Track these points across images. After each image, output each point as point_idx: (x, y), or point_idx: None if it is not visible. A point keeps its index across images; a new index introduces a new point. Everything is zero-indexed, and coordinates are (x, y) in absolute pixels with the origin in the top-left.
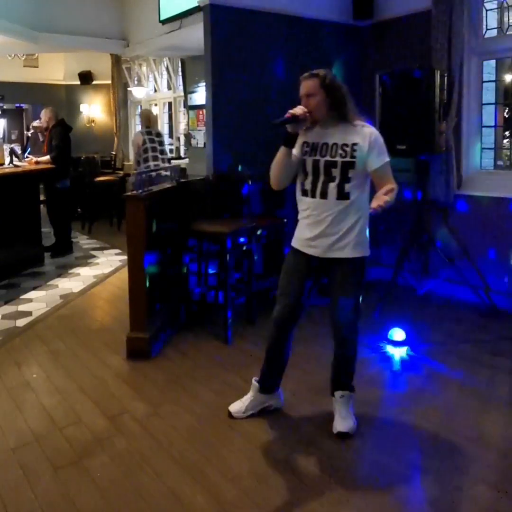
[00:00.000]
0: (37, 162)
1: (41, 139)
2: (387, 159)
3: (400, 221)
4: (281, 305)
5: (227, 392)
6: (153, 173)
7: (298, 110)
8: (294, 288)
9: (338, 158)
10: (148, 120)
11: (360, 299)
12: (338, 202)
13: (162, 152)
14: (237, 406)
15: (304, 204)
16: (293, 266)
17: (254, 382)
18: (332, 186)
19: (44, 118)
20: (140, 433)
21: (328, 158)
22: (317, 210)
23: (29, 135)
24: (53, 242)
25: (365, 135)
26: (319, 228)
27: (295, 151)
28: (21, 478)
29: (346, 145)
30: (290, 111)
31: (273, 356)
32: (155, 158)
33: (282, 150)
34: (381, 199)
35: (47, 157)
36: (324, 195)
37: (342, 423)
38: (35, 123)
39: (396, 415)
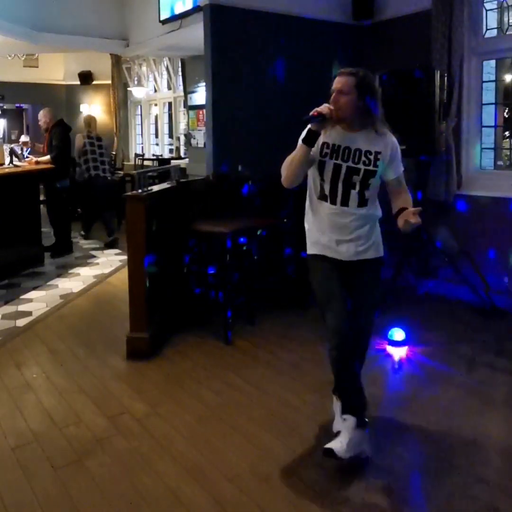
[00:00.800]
0: (37, 162)
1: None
2: (402, 169)
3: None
4: (336, 311)
5: (227, 392)
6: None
7: (325, 108)
8: (341, 299)
9: (361, 166)
10: (89, 125)
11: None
12: (358, 209)
13: (102, 155)
14: (337, 446)
15: (323, 209)
16: (329, 271)
17: (340, 418)
18: (354, 194)
19: (43, 120)
20: (140, 433)
21: (350, 164)
22: (337, 216)
23: (11, 147)
24: (53, 242)
25: (387, 145)
26: (342, 234)
27: (313, 150)
28: (21, 478)
29: (370, 152)
30: (317, 109)
31: (351, 380)
32: (94, 160)
33: (302, 148)
34: (413, 218)
35: (47, 157)
36: (345, 202)
37: (337, 445)
38: (23, 139)
39: (396, 415)
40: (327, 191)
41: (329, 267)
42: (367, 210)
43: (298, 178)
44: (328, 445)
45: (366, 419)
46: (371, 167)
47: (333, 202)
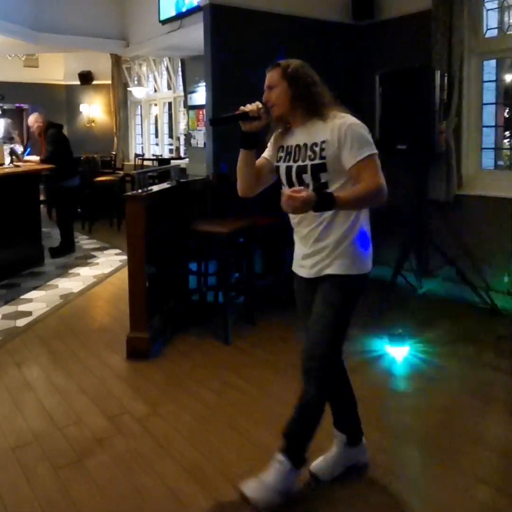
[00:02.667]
0: (25, 161)
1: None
2: (366, 153)
3: (400, 221)
4: (304, 345)
5: (227, 392)
6: None
7: (251, 105)
8: (305, 322)
9: (307, 162)
10: None
11: (343, 327)
12: (319, 215)
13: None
14: (322, 467)
15: (290, 219)
16: (298, 295)
17: (338, 434)
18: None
19: (36, 125)
20: (140, 433)
21: (299, 163)
22: (300, 225)
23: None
24: (59, 242)
25: (333, 129)
26: (304, 246)
27: (268, 154)
28: (21, 478)
29: (315, 144)
30: (242, 107)
31: (337, 405)
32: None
33: (241, 152)
34: (284, 200)
35: (37, 159)
36: None
37: (253, 484)
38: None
39: (396, 415)
40: None
41: (298, 289)
42: (333, 216)
43: (251, 187)
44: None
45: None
46: (317, 161)
47: None
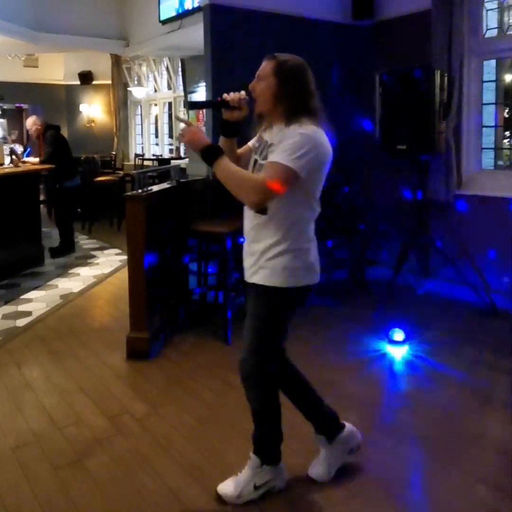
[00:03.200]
0: (23, 162)
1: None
2: (283, 160)
3: (400, 221)
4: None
5: (227, 392)
6: None
7: (233, 94)
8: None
9: (259, 159)
10: None
11: (268, 339)
12: (256, 216)
13: None
14: (319, 471)
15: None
16: (247, 306)
17: (318, 438)
18: None
19: (34, 127)
20: (140, 433)
21: (257, 156)
22: (245, 220)
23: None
24: (59, 243)
25: (283, 136)
26: (246, 244)
27: (252, 143)
28: (21, 478)
29: (272, 145)
30: (225, 94)
31: (297, 403)
32: None
33: (220, 140)
34: (187, 131)
35: (36, 160)
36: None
37: (227, 481)
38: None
39: (396, 415)
40: None
41: (246, 296)
42: (268, 221)
43: None
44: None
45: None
46: (263, 161)
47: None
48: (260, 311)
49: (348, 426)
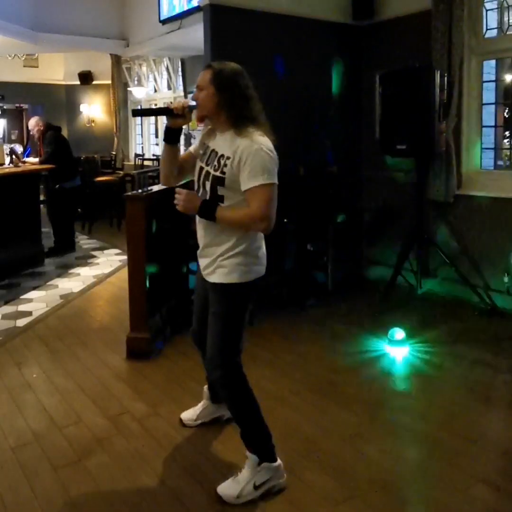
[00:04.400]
0: (23, 162)
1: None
2: (260, 181)
3: (400, 221)
4: (193, 321)
5: None
6: None
7: (177, 102)
8: (196, 305)
9: (211, 170)
10: None
11: (232, 335)
12: (210, 222)
13: None
14: (189, 414)
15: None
16: (195, 286)
17: (205, 390)
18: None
19: (36, 128)
20: (140, 433)
21: (208, 168)
22: (198, 224)
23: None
24: (54, 242)
25: (237, 148)
26: (201, 245)
27: (194, 148)
28: (21, 478)
29: (222, 157)
30: (170, 102)
31: (205, 364)
32: None
33: (163, 146)
34: (183, 195)
35: (36, 160)
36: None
37: (226, 482)
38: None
39: (396, 415)
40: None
41: (196, 281)
42: (223, 229)
43: (171, 177)
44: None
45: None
46: (218, 173)
47: None
48: (221, 309)
49: (280, 462)
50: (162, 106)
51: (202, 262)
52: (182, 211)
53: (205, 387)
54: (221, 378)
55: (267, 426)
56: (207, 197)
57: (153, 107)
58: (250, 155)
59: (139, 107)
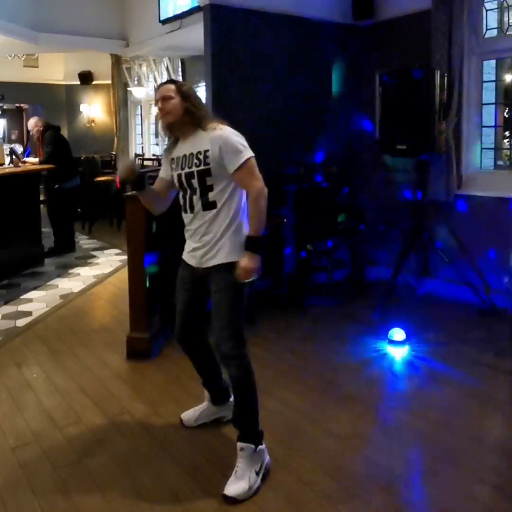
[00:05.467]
0: (23, 162)
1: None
2: (243, 159)
3: (400, 221)
4: (177, 323)
5: None
6: None
7: (120, 173)
8: (181, 304)
9: (194, 168)
10: None
11: (241, 315)
12: (205, 213)
13: None
14: (189, 414)
15: (184, 219)
16: (179, 282)
17: (206, 392)
18: (196, 198)
19: (36, 128)
20: (140, 433)
21: (186, 170)
22: (191, 224)
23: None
24: (54, 242)
25: (213, 139)
26: (193, 240)
27: (164, 173)
28: (21, 478)
29: (200, 152)
30: (117, 178)
31: (198, 370)
32: None
33: (139, 194)
34: (241, 270)
35: (36, 160)
36: (192, 209)
37: (230, 483)
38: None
39: (396, 415)
40: (181, 202)
41: (181, 276)
42: (219, 212)
43: (158, 208)
44: None
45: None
46: (202, 167)
47: (185, 210)
48: (227, 285)
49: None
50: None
51: (199, 253)
52: (253, 275)
53: (206, 389)
54: (232, 349)
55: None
56: (197, 193)
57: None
58: (226, 141)
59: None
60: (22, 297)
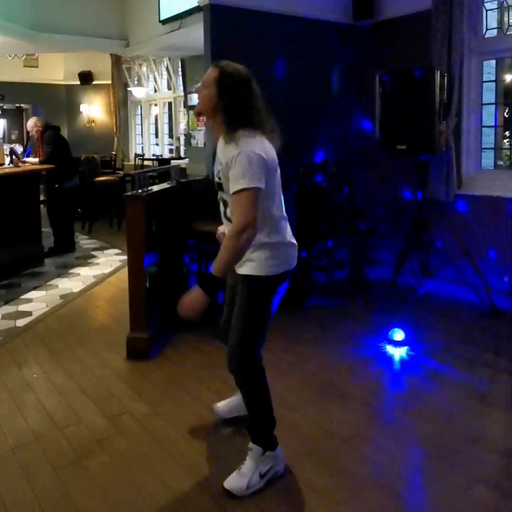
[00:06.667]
0: (23, 162)
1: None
2: (239, 186)
3: (400, 221)
4: (222, 319)
5: (227, 392)
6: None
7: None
8: (226, 303)
9: (216, 178)
10: None
11: (254, 328)
12: (229, 223)
13: None
14: (223, 406)
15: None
16: (228, 282)
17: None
18: (222, 209)
19: (35, 128)
20: (140, 433)
21: (215, 178)
22: (225, 223)
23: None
24: (54, 242)
25: (229, 154)
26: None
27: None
28: (21, 478)
29: (220, 163)
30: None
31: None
32: None
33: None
34: (180, 302)
35: (36, 160)
36: (222, 217)
37: (231, 477)
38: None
39: (396, 415)
40: None
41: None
42: None
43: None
44: None
45: None
46: (217, 179)
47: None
48: (247, 301)
49: (279, 449)
50: None
51: None
52: (192, 313)
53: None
54: (238, 368)
55: (273, 416)
56: (221, 203)
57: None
58: (235, 162)
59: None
60: (22, 297)
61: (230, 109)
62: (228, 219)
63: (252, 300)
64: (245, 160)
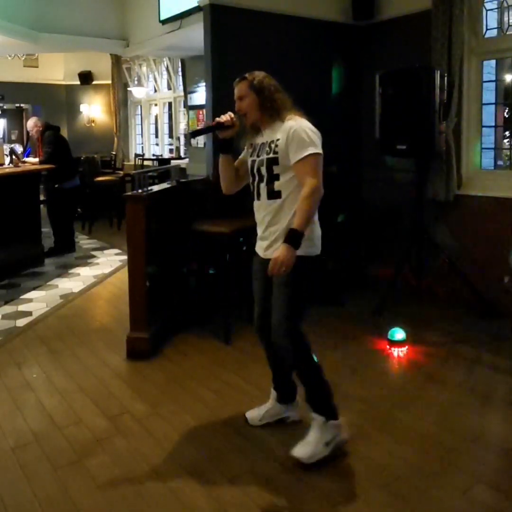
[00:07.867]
0: (23, 162)
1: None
2: (306, 153)
3: (400, 221)
4: (255, 314)
5: (227, 392)
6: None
7: (224, 116)
8: (257, 295)
9: (264, 156)
10: None
11: (298, 303)
12: (270, 201)
13: None
14: (254, 413)
15: (254, 206)
16: (253, 273)
17: (273, 390)
18: (262, 186)
19: (35, 129)
20: (140, 433)
21: (259, 157)
22: (258, 212)
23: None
24: (54, 242)
25: (285, 129)
26: (260, 229)
27: (243, 155)
28: (21, 478)
29: (272, 142)
30: (217, 118)
31: (270, 362)
32: None
33: (220, 157)
34: (273, 262)
35: (36, 160)
36: (258, 196)
37: (299, 445)
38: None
39: (396, 415)
40: (251, 188)
41: (255, 267)
42: (283, 204)
43: (231, 185)
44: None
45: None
46: (271, 155)
47: (253, 197)
48: (288, 280)
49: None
50: (209, 121)
51: (264, 244)
52: (287, 268)
53: (272, 388)
54: (288, 344)
55: (329, 386)
56: (264, 181)
57: (204, 126)
58: (295, 132)
59: (196, 128)
60: (22, 297)
61: (270, 100)
62: (270, 193)
63: (300, 277)
64: (308, 131)
